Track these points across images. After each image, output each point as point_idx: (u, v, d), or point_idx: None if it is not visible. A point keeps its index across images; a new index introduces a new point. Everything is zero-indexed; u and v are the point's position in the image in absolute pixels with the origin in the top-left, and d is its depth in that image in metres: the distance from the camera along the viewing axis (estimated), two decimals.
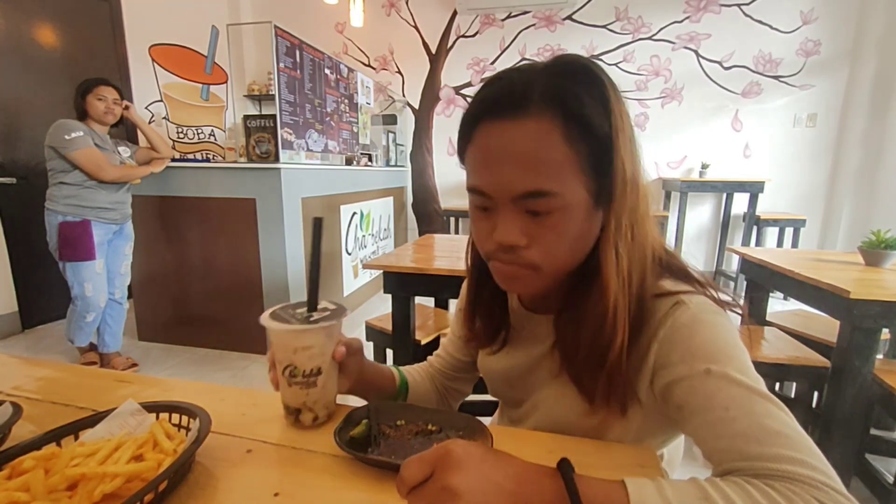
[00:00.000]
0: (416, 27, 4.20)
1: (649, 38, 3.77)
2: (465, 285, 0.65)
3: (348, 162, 3.34)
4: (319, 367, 0.51)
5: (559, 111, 0.42)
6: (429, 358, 0.77)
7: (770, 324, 1.70)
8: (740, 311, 0.51)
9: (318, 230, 0.53)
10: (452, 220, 4.33)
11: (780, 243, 3.68)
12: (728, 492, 0.34)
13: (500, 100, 0.44)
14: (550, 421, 0.56)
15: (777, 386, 1.77)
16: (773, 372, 1.32)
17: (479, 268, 0.58)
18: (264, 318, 0.51)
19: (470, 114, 0.47)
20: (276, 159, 2.40)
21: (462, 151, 0.50)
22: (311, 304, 0.54)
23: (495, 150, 0.44)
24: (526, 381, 0.60)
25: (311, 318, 0.51)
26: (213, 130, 2.71)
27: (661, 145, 3.93)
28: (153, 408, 0.50)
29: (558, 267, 0.48)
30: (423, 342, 1.57)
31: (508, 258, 0.47)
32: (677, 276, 0.50)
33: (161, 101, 2.58)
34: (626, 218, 0.45)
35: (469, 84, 4.20)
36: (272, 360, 0.54)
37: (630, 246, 0.46)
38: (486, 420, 0.53)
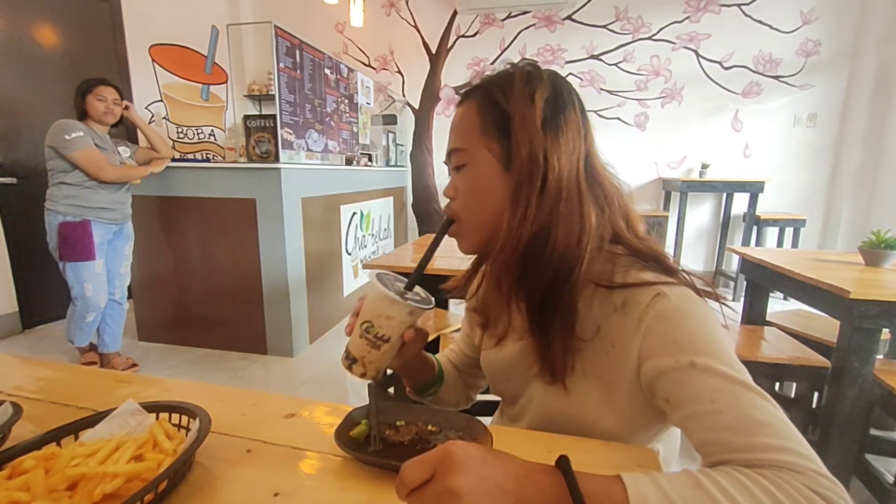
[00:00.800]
0: (416, 27, 4.20)
1: (649, 38, 3.77)
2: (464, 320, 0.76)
3: (348, 162, 3.34)
4: (390, 336, 0.56)
5: (481, 94, 0.56)
6: (444, 351, 0.82)
7: (770, 324, 1.70)
8: (719, 300, 0.52)
9: (446, 227, 0.60)
10: None
11: (780, 243, 3.68)
12: (720, 480, 0.35)
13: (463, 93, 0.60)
14: (542, 412, 0.58)
15: (777, 386, 1.78)
16: (773, 372, 1.32)
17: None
18: (372, 276, 0.56)
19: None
20: (276, 159, 2.40)
21: None
22: (411, 284, 0.59)
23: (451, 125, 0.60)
24: (522, 373, 0.61)
25: (406, 296, 0.55)
26: (213, 130, 2.71)
27: (661, 145, 3.93)
28: (153, 408, 0.50)
29: (475, 222, 0.57)
30: None
31: (449, 213, 0.59)
32: (646, 260, 0.52)
33: (161, 101, 2.58)
34: (532, 189, 0.51)
35: (469, 84, 4.20)
36: (357, 310, 0.59)
37: (541, 205, 0.51)
38: (485, 420, 0.53)
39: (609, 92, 3.92)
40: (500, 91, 0.54)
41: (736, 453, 0.38)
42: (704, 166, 3.72)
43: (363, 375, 0.57)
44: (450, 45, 4.17)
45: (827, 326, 1.63)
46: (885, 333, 1.55)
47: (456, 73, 4.21)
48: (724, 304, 0.53)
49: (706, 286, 0.51)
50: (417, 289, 0.60)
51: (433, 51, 4.20)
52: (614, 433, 0.53)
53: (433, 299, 0.60)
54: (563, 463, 0.36)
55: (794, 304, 1.69)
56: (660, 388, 0.46)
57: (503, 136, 0.53)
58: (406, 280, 0.60)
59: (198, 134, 2.69)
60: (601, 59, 3.89)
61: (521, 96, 0.53)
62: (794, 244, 3.57)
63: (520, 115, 0.52)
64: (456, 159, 0.57)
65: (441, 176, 4.38)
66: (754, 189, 3.51)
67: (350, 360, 0.58)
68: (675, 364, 0.44)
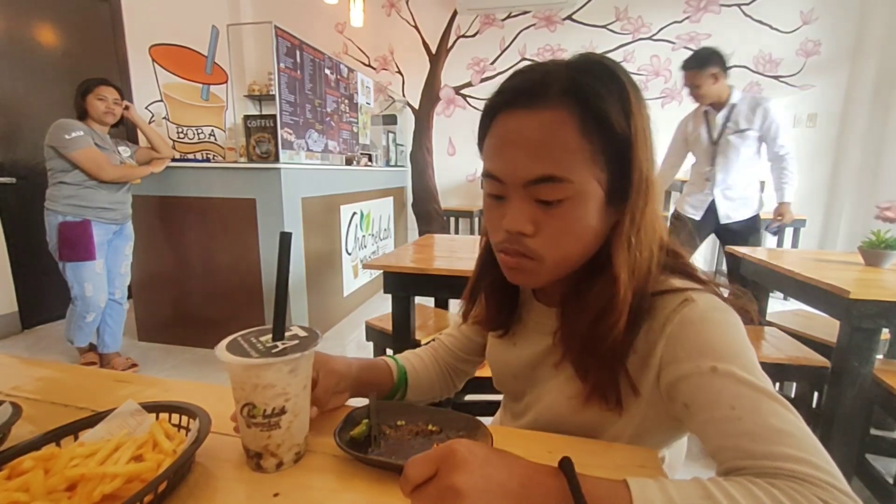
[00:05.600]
0: (416, 27, 4.20)
1: (649, 38, 3.77)
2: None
3: (348, 162, 3.34)
4: (283, 407, 0.44)
5: (576, 104, 0.43)
6: (439, 336, 0.78)
7: (770, 324, 1.70)
8: (750, 313, 0.50)
9: (287, 247, 0.48)
10: (452, 220, 4.33)
11: (780, 243, 3.68)
12: (731, 490, 0.34)
13: (519, 91, 0.46)
14: (550, 414, 0.57)
15: (777, 386, 1.77)
16: (773, 372, 1.32)
17: (487, 254, 0.59)
18: (220, 349, 0.44)
19: (490, 105, 0.48)
20: (276, 159, 2.40)
21: (481, 142, 0.51)
22: (278, 331, 0.47)
23: (511, 137, 0.46)
24: (530, 373, 0.60)
25: (275, 350, 0.44)
26: (213, 130, 2.71)
27: (661, 145, 3.92)
28: (153, 408, 0.50)
29: (560, 259, 0.48)
30: (423, 342, 1.56)
31: (513, 248, 0.48)
32: (684, 276, 0.50)
33: (161, 101, 2.57)
34: (639, 215, 0.46)
35: (469, 84, 4.20)
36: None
37: (640, 242, 0.47)
38: (486, 420, 0.53)
39: None
40: (611, 101, 0.44)
41: (752, 460, 0.37)
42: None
43: (280, 465, 0.46)
44: (450, 45, 4.17)
45: (827, 326, 1.63)
46: (885, 333, 1.55)
47: (456, 73, 4.21)
48: (752, 317, 0.51)
49: (737, 298, 0.50)
50: (295, 328, 0.50)
51: (433, 51, 4.20)
52: (623, 439, 0.53)
53: (318, 332, 0.49)
54: (565, 465, 0.35)
55: (794, 304, 1.69)
56: (679, 392, 0.44)
57: (615, 162, 0.45)
58: (264, 328, 0.49)
59: (198, 134, 2.69)
60: None
61: (638, 109, 0.45)
62: (794, 244, 3.57)
63: (642, 136, 0.45)
64: (549, 192, 0.45)
65: (441, 175, 4.38)
66: None
67: (254, 458, 0.45)
68: (696, 369, 0.43)
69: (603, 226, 0.47)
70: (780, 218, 2.19)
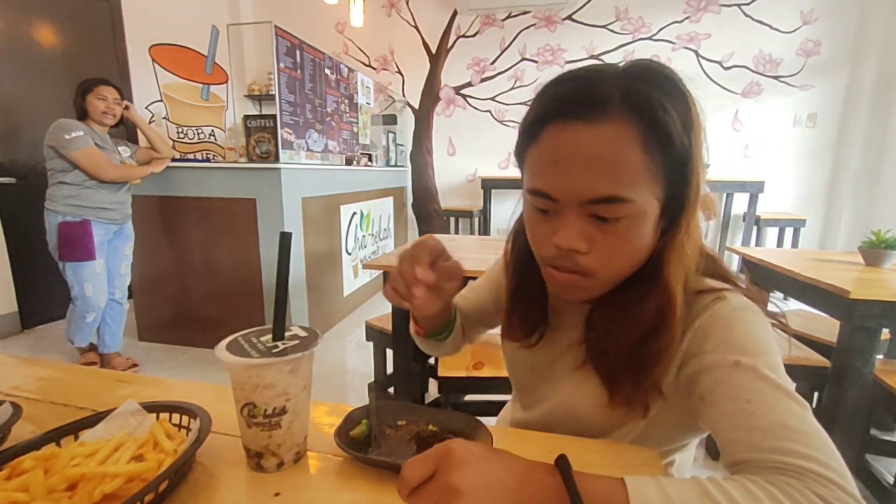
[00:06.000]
0: (416, 27, 4.20)
1: (649, 39, 3.77)
2: (492, 272, 0.68)
3: (348, 162, 3.34)
4: (284, 406, 0.44)
5: (638, 117, 0.41)
6: (460, 294, 0.73)
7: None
8: (783, 325, 0.50)
9: (287, 247, 0.47)
10: (452, 220, 4.33)
11: (780, 243, 3.68)
12: (728, 488, 0.34)
13: (574, 101, 0.42)
14: (566, 409, 0.56)
15: None
16: None
17: (522, 266, 0.58)
18: (220, 349, 0.44)
19: (538, 112, 0.45)
20: (276, 159, 2.40)
21: (522, 150, 0.48)
22: (278, 331, 0.47)
23: (567, 152, 0.42)
24: (549, 367, 0.60)
25: (275, 350, 0.45)
26: (213, 130, 2.71)
27: None
28: (153, 408, 0.50)
29: (614, 275, 0.47)
30: None
31: (566, 265, 0.46)
32: (719, 278, 0.50)
33: (161, 101, 2.57)
34: (692, 226, 0.46)
35: (469, 84, 4.20)
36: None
37: (690, 252, 0.46)
38: (486, 420, 0.53)
39: None
40: (674, 115, 0.41)
41: (759, 453, 0.37)
42: (704, 166, 3.72)
43: (281, 465, 0.46)
44: (450, 45, 4.17)
45: (827, 326, 1.63)
46: (885, 333, 1.55)
47: (456, 73, 4.21)
48: (784, 329, 0.51)
49: (770, 307, 0.50)
50: (295, 328, 0.50)
51: (433, 51, 4.20)
52: (631, 436, 0.53)
53: (318, 332, 0.50)
54: (561, 462, 0.36)
55: (794, 304, 1.69)
56: (699, 384, 0.44)
57: (673, 176, 0.43)
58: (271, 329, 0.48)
59: (198, 134, 2.69)
60: (601, 60, 3.88)
61: (698, 120, 0.43)
62: (794, 244, 3.57)
63: (699, 148, 0.43)
64: (609, 211, 0.43)
65: (441, 175, 4.38)
66: (754, 189, 3.51)
67: (255, 458, 0.46)
68: (719, 361, 0.43)
69: (654, 238, 0.46)
70: None
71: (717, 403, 0.42)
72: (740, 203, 3.74)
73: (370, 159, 3.70)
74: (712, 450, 1.57)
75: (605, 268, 0.46)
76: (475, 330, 0.75)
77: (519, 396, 0.67)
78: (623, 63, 0.44)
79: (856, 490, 0.34)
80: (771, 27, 3.55)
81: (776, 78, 3.62)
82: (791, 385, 0.41)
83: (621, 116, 0.41)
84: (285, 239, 0.48)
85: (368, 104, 3.76)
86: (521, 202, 0.56)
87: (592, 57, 3.90)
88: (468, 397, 1.71)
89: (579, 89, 0.43)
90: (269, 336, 0.48)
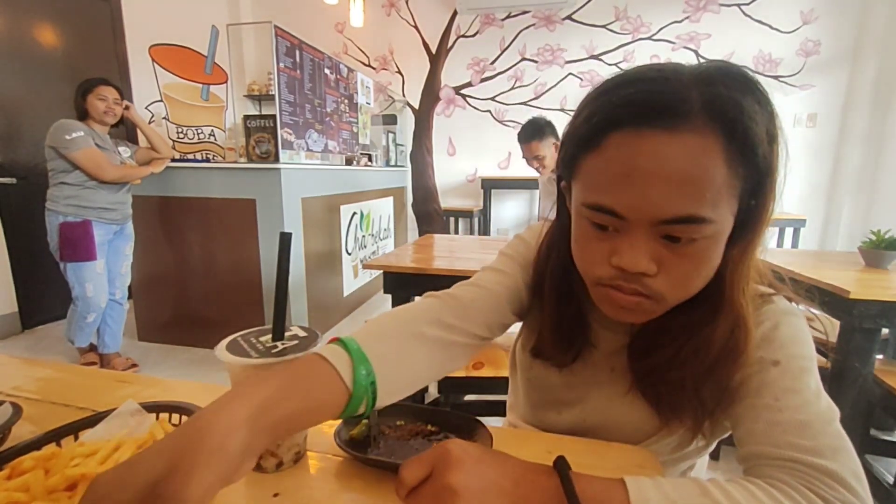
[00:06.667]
0: (416, 27, 4.20)
1: (649, 38, 3.77)
2: (494, 270, 0.57)
3: (348, 162, 3.34)
4: None
5: (721, 127, 0.36)
6: (433, 295, 0.54)
7: None
8: (822, 336, 0.50)
9: (287, 247, 0.46)
10: (452, 220, 4.33)
11: (780, 243, 3.68)
12: (728, 488, 0.34)
13: (651, 105, 0.37)
14: (593, 421, 0.55)
15: None
16: None
17: (561, 283, 0.52)
18: (219, 350, 0.44)
19: (602, 117, 0.39)
20: (276, 159, 2.40)
21: (575, 158, 0.42)
22: (278, 331, 0.47)
23: (641, 165, 0.37)
24: (586, 388, 0.56)
25: (275, 350, 0.44)
26: (213, 130, 2.71)
27: None
28: (153, 408, 0.50)
29: (683, 298, 0.42)
30: None
31: (630, 287, 0.41)
32: (765, 284, 0.49)
33: (161, 101, 2.58)
34: (758, 244, 0.43)
35: (469, 84, 4.20)
36: None
37: (752, 270, 0.44)
38: (486, 420, 0.53)
39: None
40: (760, 125, 0.37)
41: (775, 447, 0.38)
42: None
43: (280, 465, 0.46)
44: (450, 44, 4.17)
45: (827, 326, 1.62)
46: (886, 333, 1.55)
47: (456, 73, 4.21)
48: (824, 335, 0.50)
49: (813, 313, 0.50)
50: (294, 328, 0.50)
51: (433, 51, 4.20)
52: (673, 447, 0.52)
53: (318, 332, 0.49)
54: (560, 464, 0.36)
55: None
56: (733, 378, 0.44)
57: (751, 191, 0.39)
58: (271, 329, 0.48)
59: (198, 134, 2.69)
60: (601, 59, 3.89)
61: (781, 131, 0.39)
62: (794, 244, 3.57)
63: (777, 163, 0.39)
64: (685, 232, 0.38)
65: (441, 175, 4.38)
66: None
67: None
68: (759, 358, 0.43)
69: (722, 255, 0.41)
70: None
71: (747, 396, 0.43)
72: None
73: (370, 159, 3.70)
74: (713, 451, 1.57)
75: (675, 291, 0.41)
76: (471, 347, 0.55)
77: (537, 403, 0.62)
78: (696, 63, 0.40)
79: (867, 495, 0.34)
80: (771, 27, 3.55)
81: (776, 78, 3.62)
82: (823, 392, 0.42)
83: (705, 125, 0.36)
84: (285, 239, 0.47)
85: (368, 104, 3.76)
86: (552, 211, 0.52)
87: (592, 57, 3.90)
88: (468, 397, 1.71)
89: (655, 93, 0.37)
90: (269, 336, 0.48)
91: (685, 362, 0.44)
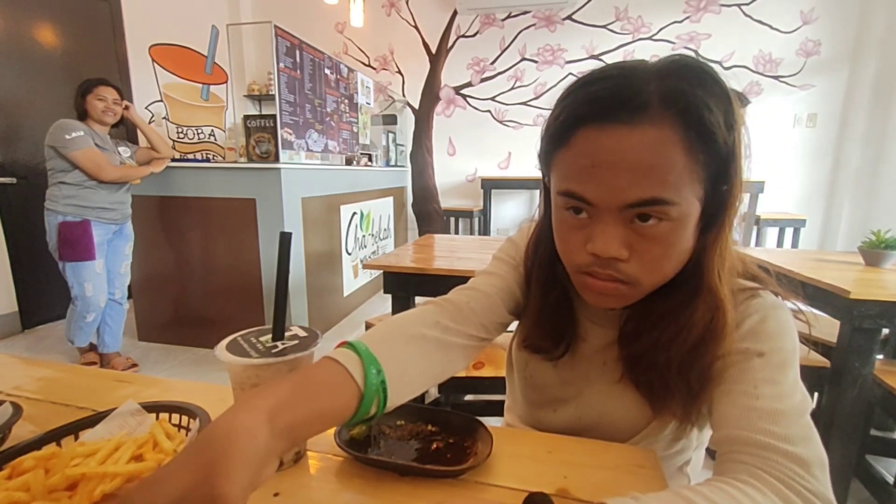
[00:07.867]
0: (416, 27, 4.20)
1: (649, 38, 3.77)
2: (492, 269, 0.60)
3: (348, 162, 3.34)
4: None
5: (680, 118, 0.38)
6: (431, 301, 0.56)
7: None
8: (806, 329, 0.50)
9: (287, 247, 0.46)
10: (452, 220, 4.33)
11: (780, 243, 3.68)
12: (710, 494, 0.35)
13: (610, 102, 0.39)
14: (598, 416, 0.56)
15: None
16: None
17: (546, 274, 0.55)
18: (219, 349, 0.44)
19: (568, 115, 0.42)
20: (276, 159, 2.40)
21: (549, 155, 0.46)
22: (278, 331, 0.47)
23: (606, 157, 0.40)
24: (578, 380, 0.58)
25: (276, 350, 0.44)
26: (213, 130, 2.71)
27: None
28: (153, 408, 0.50)
29: (659, 281, 0.45)
30: None
31: (605, 272, 0.44)
32: (749, 278, 0.51)
33: (161, 101, 2.57)
34: (729, 227, 0.45)
35: (469, 84, 4.20)
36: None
37: (728, 253, 0.46)
38: (486, 420, 0.53)
39: None
40: (717, 113, 0.39)
41: (749, 432, 0.39)
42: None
43: (280, 466, 0.46)
44: (450, 45, 4.17)
45: (827, 326, 1.62)
46: (886, 333, 1.55)
47: (456, 73, 4.21)
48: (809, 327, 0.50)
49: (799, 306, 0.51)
50: (294, 328, 0.50)
51: (433, 51, 4.20)
52: (670, 440, 0.54)
53: (318, 332, 0.50)
54: (537, 500, 0.36)
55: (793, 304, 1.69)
56: (716, 366, 0.46)
57: (715, 176, 0.41)
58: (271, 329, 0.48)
59: (198, 134, 2.69)
60: (601, 60, 3.89)
61: (740, 117, 0.41)
62: (794, 244, 3.57)
63: (741, 146, 0.41)
64: (650, 214, 0.41)
65: (441, 175, 4.38)
66: (754, 189, 3.51)
67: None
68: (745, 349, 0.45)
69: (694, 240, 0.44)
70: None
71: (724, 383, 0.44)
72: None
73: (370, 159, 3.70)
74: (712, 450, 1.57)
75: (649, 274, 0.43)
76: (472, 348, 0.55)
77: (537, 403, 0.63)
78: (655, 59, 0.42)
79: (829, 483, 0.37)
80: (771, 27, 3.55)
81: (776, 78, 3.63)
82: (801, 387, 0.43)
83: (663, 117, 0.38)
84: (285, 239, 0.47)
85: (368, 104, 3.76)
86: (536, 208, 0.55)
87: (592, 57, 3.90)
88: (468, 397, 1.71)
89: (615, 89, 0.39)
90: (269, 336, 0.47)
91: (670, 344, 0.46)
